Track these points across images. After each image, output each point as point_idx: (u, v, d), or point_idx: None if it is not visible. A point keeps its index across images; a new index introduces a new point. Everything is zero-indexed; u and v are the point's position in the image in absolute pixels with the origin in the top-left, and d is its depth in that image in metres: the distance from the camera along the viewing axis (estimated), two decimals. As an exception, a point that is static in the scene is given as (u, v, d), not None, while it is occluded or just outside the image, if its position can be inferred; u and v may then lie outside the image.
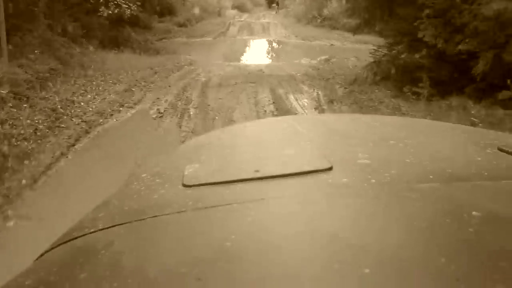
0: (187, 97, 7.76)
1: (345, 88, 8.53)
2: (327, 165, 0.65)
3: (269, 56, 15.87)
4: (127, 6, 11.37)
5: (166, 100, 7.48)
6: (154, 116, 6.60)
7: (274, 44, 18.08)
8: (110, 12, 11.08)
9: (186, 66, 10.97)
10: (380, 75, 8.47)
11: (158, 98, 7.54)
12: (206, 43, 17.39)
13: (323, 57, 12.59)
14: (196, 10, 23.73)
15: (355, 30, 10.52)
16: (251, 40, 18.99)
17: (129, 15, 11.65)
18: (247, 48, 17.24)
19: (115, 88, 7.93)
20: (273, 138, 0.93)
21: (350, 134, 0.93)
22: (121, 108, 6.82)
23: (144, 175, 0.80)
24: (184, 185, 0.65)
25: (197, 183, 0.65)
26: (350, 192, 0.58)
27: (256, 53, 16.10)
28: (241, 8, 35.90)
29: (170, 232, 0.54)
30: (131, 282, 0.43)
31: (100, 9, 11.02)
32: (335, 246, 0.44)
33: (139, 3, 12.75)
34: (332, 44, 16.41)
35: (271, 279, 0.40)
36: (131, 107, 6.94)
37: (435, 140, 0.88)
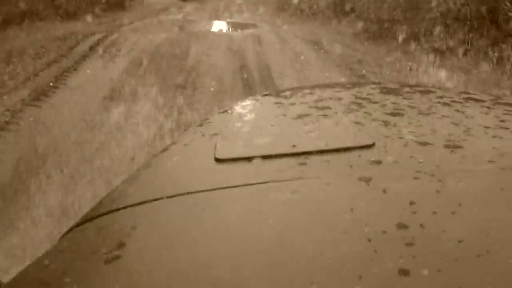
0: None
1: None
2: (368, 141, 0.63)
3: None
4: None
5: None
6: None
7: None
8: None
9: None
10: None
11: None
12: None
13: None
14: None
15: None
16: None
17: None
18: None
19: None
20: (307, 110, 0.87)
21: (388, 105, 0.86)
22: None
23: (175, 146, 0.79)
24: (217, 159, 0.64)
25: (229, 157, 0.64)
26: (397, 174, 0.56)
27: None
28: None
29: (208, 211, 0.52)
30: (163, 268, 0.41)
31: None
32: (397, 234, 0.41)
33: None
34: None
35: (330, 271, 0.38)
36: None
37: (486, 116, 0.81)
